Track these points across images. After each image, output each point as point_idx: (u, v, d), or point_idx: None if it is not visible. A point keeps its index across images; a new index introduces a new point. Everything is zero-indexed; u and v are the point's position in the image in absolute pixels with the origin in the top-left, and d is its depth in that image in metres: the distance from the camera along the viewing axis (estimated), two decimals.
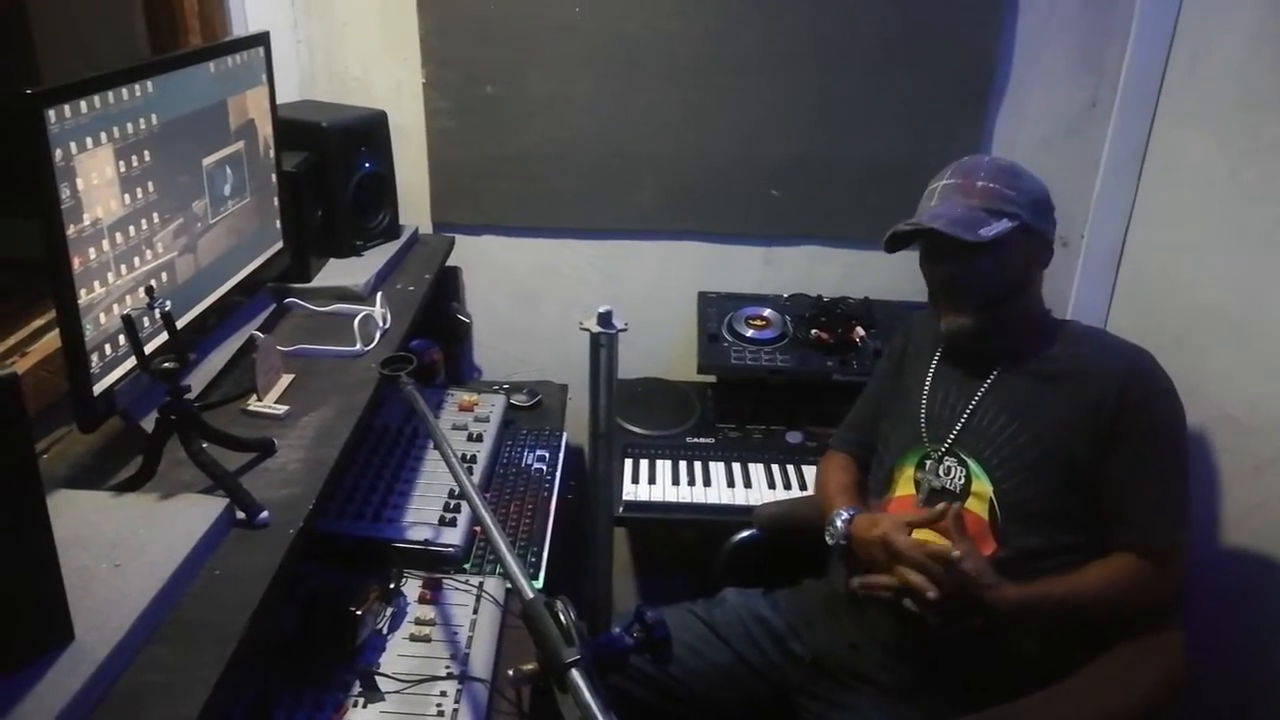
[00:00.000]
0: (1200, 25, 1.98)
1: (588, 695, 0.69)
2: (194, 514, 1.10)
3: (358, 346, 1.60)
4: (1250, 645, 1.74)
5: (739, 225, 2.26)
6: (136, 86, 1.17)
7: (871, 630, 1.60)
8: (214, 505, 1.12)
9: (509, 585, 1.58)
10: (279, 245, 1.66)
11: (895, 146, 2.18)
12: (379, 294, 1.73)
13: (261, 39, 1.52)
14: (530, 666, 0.77)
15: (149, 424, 1.23)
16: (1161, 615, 1.50)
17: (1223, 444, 1.82)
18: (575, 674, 0.71)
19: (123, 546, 1.03)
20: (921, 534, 1.49)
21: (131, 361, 1.20)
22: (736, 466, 2.05)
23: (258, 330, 1.57)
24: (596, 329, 0.71)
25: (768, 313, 2.20)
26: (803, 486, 2.01)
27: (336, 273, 1.86)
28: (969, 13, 2.09)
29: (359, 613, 1.37)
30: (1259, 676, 1.72)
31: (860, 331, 2.15)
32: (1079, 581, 1.45)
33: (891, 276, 2.28)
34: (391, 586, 1.48)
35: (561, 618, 0.76)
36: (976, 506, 1.52)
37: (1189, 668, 1.45)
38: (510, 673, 0.77)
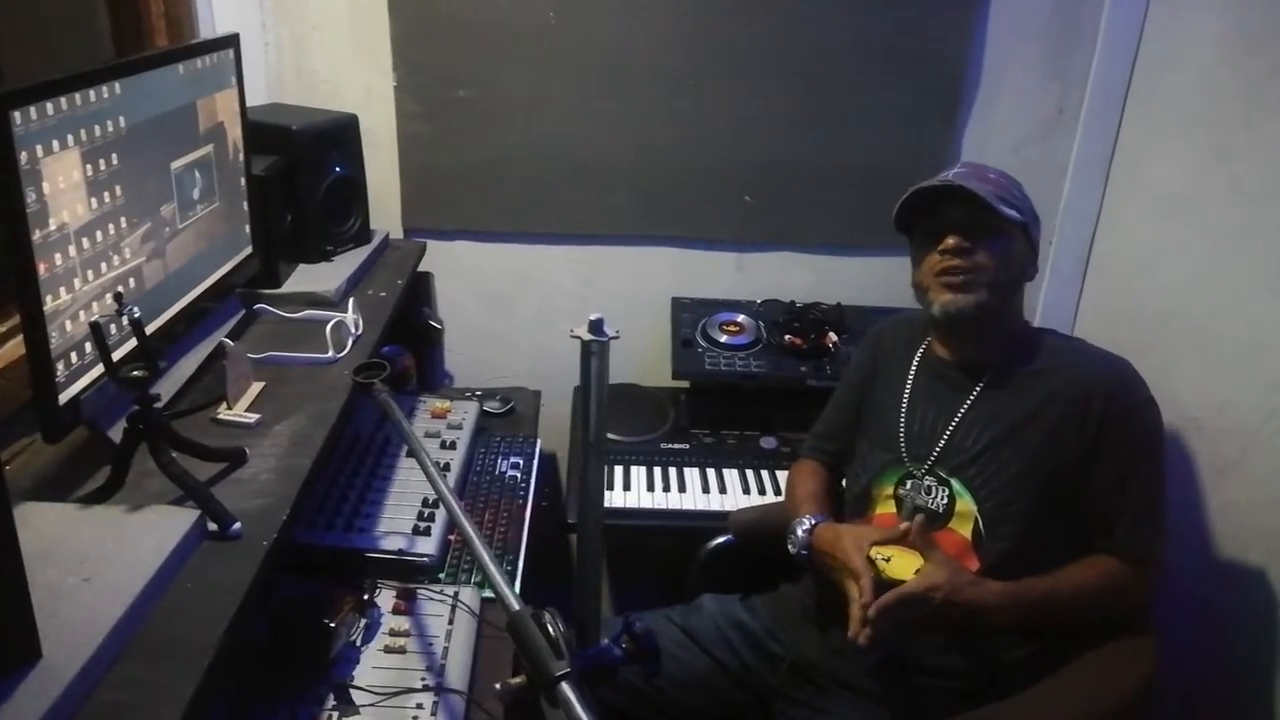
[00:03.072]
0: (1166, 33, 2.01)
1: (579, 709, 0.68)
2: (164, 526, 1.07)
3: (330, 353, 1.57)
4: (1215, 644, 1.76)
5: (712, 231, 2.26)
6: (104, 88, 1.14)
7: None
8: (185, 517, 1.09)
9: (485, 595, 1.57)
10: (248, 250, 1.63)
11: (867, 153, 2.19)
12: (350, 300, 1.71)
13: (231, 41, 1.49)
14: (517, 680, 0.76)
15: (115, 434, 1.20)
16: (1134, 618, 1.52)
17: (1189, 446, 1.84)
18: (565, 688, 0.70)
19: (91, 560, 1.01)
20: (902, 555, 1.46)
21: (98, 370, 1.17)
22: (711, 472, 2.05)
23: (227, 337, 1.54)
24: (588, 337, 0.70)
25: (741, 318, 2.20)
26: (777, 492, 2.01)
27: (306, 278, 1.83)
28: (940, 20, 2.11)
29: (332, 624, 1.35)
30: (1224, 674, 1.75)
31: (833, 337, 2.16)
32: (1061, 580, 1.45)
33: (863, 282, 2.30)
34: (365, 597, 1.46)
35: (550, 629, 0.74)
36: (960, 526, 1.52)
37: (1160, 669, 1.47)
38: (497, 686, 0.76)
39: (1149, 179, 2.07)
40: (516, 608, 0.79)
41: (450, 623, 1.48)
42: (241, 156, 1.57)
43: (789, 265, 2.30)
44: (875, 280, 2.27)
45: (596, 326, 0.72)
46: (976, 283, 1.48)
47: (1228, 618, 1.75)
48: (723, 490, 2.01)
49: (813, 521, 1.58)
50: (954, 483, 1.54)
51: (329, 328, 1.59)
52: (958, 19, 2.11)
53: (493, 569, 0.85)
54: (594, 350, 0.72)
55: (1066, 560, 1.49)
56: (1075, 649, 1.49)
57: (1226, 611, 1.75)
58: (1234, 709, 1.73)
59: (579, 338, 0.73)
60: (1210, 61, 1.86)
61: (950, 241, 1.47)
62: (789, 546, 1.61)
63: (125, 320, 1.20)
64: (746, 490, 2.01)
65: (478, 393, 2.20)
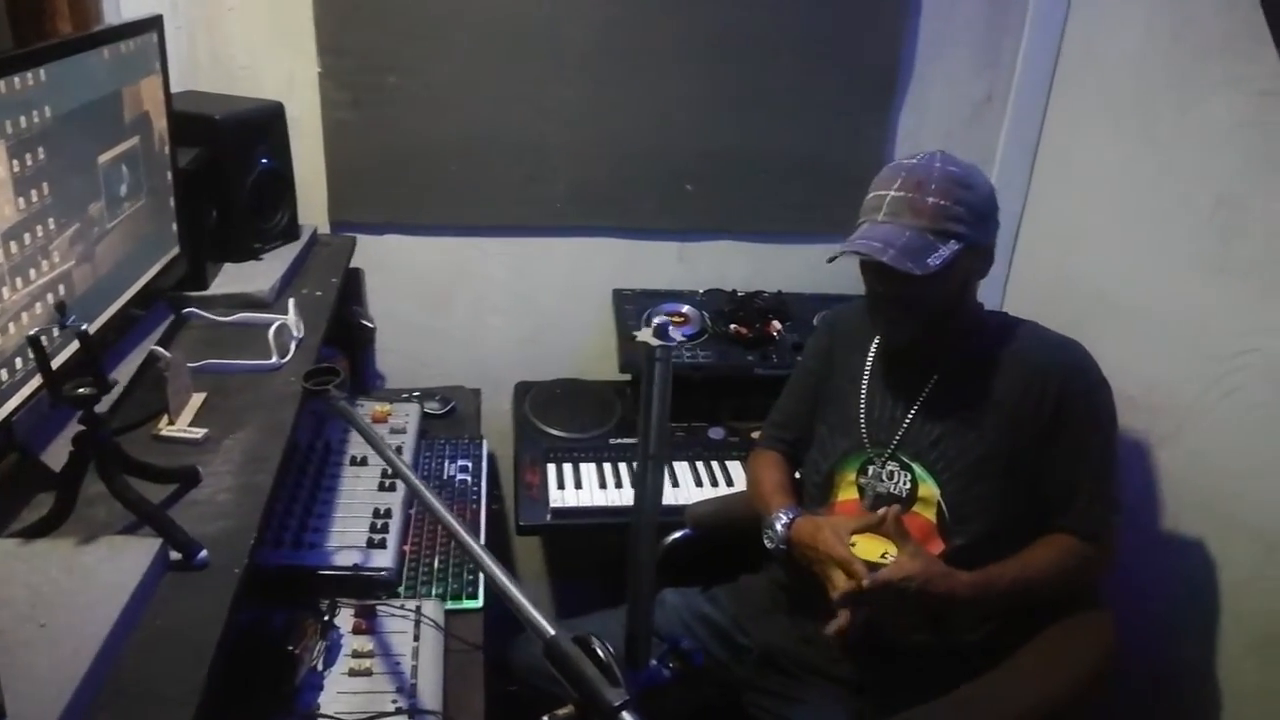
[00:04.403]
0: (1091, 20, 2.05)
1: None
2: (123, 559, 0.97)
3: (274, 359, 1.47)
4: (1155, 614, 1.82)
5: (653, 220, 2.21)
6: (30, 74, 1.03)
7: (821, 624, 1.59)
8: (145, 547, 0.99)
9: (448, 607, 1.50)
10: (175, 250, 1.51)
11: (804, 140, 2.18)
12: (290, 301, 1.60)
13: (154, 23, 1.37)
14: (565, 711, 0.71)
15: (50, 458, 1.09)
16: (1091, 594, 1.56)
17: (1123, 423, 1.90)
18: (627, 717, 0.65)
19: (45, 603, 0.90)
20: (866, 540, 1.48)
21: (29, 388, 1.06)
22: None
23: (157, 345, 1.42)
24: (655, 341, 0.65)
25: (686, 309, 2.16)
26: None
27: (235, 279, 1.71)
28: (874, 9, 2.11)
29: (296, 651, 1.27)
30: (1163, 642, 1.81)
31: (777, 325, 2.15)
32: (1026, 565, 1.48)
33: (802, 270, 2.29)
34: (326, 618, 1.37)
35: (601, 655, 0.69)
36: (923, 510, 1.53)
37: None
38: (545, 719, 0.70)
39: (1076, 162, 2.12)
40: (551, 632, 0.74)
41: (416, 639, 1.41)
42: (167, 149, 1.45)
43: (730, 254, 2.28)
44: (814, 268, 2.25)
45: (662, 330, 0.67)
46: (908, 324, 1.49)
47: (1167, 587, 1.81)
48: (675, 484, 1.98)
49: (790, 516, 1.57)
50: (916, 467, 1.55)
51: (271, 331, 1.48)
52: (891, 7, 2.12)
53: (515, 592, 0.79)
54: (659, 356, 0.66)
55: (1029, 540, 1.51)
56: (1036, 624, 1.52)
57: (1165, 581, 1.81)
58: (1174, 673, 1.80)
59: (645, 342, 0.68)
60: (1139, 45, 1.90)
61: (879, 291, 1.48)
62: (766, 542, 1.59)
63: (57, 331, 1.09)
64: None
65: (415, 393, 2.12)
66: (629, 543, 0.91)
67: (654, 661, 0.76)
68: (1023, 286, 2.32)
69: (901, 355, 1.60)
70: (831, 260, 1.47)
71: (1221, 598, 1.70)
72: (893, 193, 1.45)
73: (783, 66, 2.12)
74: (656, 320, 0.70)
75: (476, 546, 0.87)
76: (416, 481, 1.01)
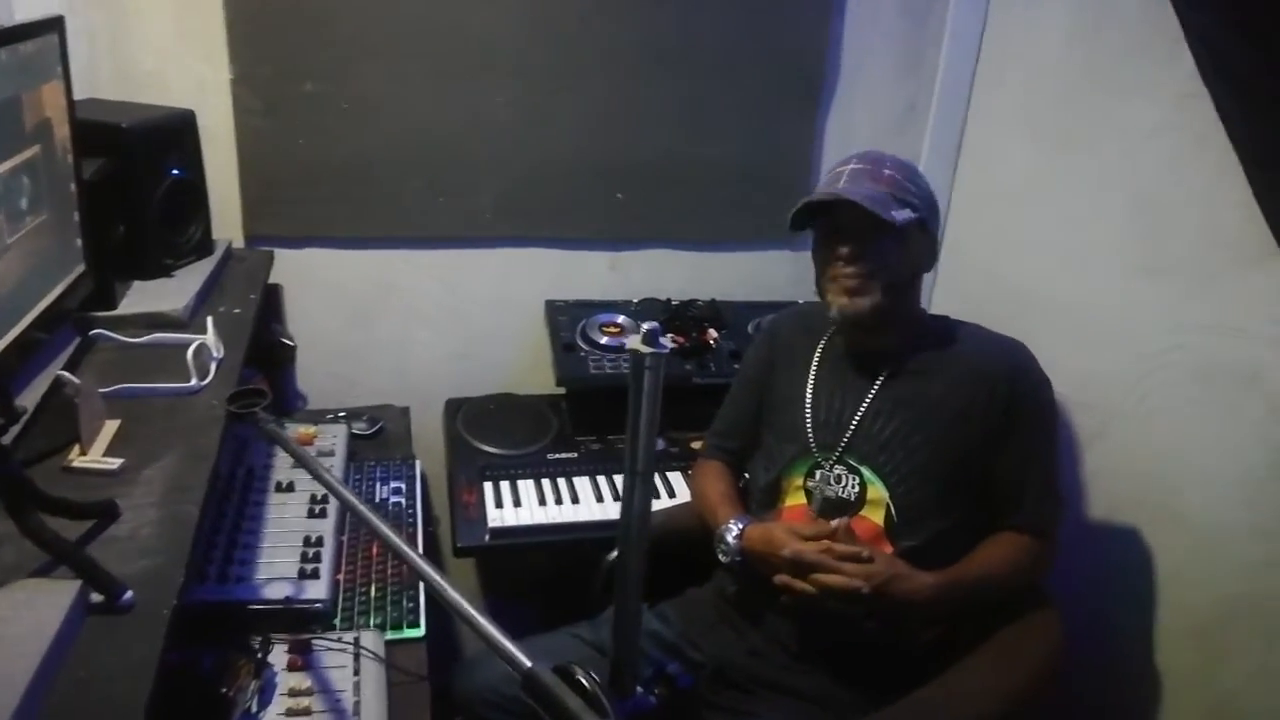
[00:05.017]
0: (1009, 28, 2.10)
1: None
2: (39, 604, 0.89)
3: (193, 381, 1.38)
4: (1090, 607, 1.85)
5: (584, 230, 2.18)
6: None
7: (770, 635, 1.57)
8: (64, 590, 0.90)
9: (388, 637, 1.43)
10: (81, 268, 1.40)
11: (735, 148, 2.18)
12: (209, 320, 1.51)
13: (55, 24, 1.27)
14: None
15: None
16: (1039, 592, 1.57)
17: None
18: None
19: None
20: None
21: None
22: (602, 479, 1.97)
23: (64, 369, 1.31)
24: (645, 349, 0.61)
25: (621, 319, 2.13)
26: (671, 494, 1.96)
27: (145, 297, 1.61)
28: (799, 18, 2.12)
29: (229, 693, 1.18)
30: (1101, 633, 1.85)
31: (713, 333, 2.13)
32: (985, 564, 1.49)
33: (735, 277, 2.29)
34: (259, 656, 1.29)
35: (585, 684, 0.65)
36: (872, 513, 1.53)
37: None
38: None
39: (998, 166, 2.16)
40: (529, 664, 0.69)
41: (356, 673, 1.34)
42: (70, 158, 1.34)
43: (662, 262, 2.25)
44: (747, 275, 2.27)
45: (652, 336, 0.63)
46: (870, 286, 1.49)
47: (1104, 580, 1.84)
48: (617, 498, 1.93)
49: (741, 525, 1.55)
50: (864, 470, 1.54)
51: (190, 352, 1.39)
52: (816, 19, 2.13)
53: (485, 624, 0.74)
54: (649, 365, 0.62)
55: (976, 539, 1.52)
56: (984, 624, 1.52)
57: (1102, 574, 1.84)
58: (1115, 663, 1.83)
59: (635, 349, 0.63)
60: (1056, 51, 1.95)
61: (842, 251, 1.49)
62: (720, 556, 1.56)
63: None
64: None
65: (341, 414, 2.04)
66: (617, 565, 0.87)
67: (639, 689, 0.72)
68: (948, 291, 2.35)
69: (848, 354, 1.59)
70: (797, 221, 1.50)
71: (1157, 588, 1.73)
72: (852, 166, 1.51)
73: (713, 75, 2.12)
74: (646, 326, 0.65)
75: (437, 577, 0.81)
76: (367, 512, 0.95)
